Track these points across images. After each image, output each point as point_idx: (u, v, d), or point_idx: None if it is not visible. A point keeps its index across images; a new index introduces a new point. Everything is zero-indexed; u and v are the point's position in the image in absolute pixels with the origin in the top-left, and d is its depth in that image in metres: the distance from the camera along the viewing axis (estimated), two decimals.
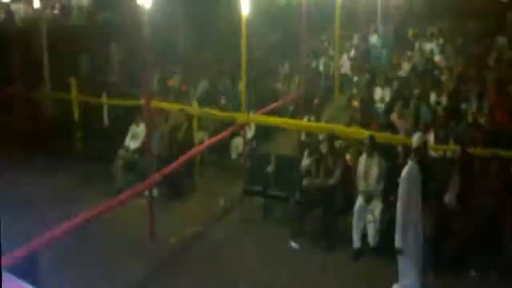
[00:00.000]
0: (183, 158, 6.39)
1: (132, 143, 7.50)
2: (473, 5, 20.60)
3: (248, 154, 7.54)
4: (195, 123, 7.80)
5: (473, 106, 8.08)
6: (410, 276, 4.55)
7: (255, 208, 6.54)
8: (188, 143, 7.30)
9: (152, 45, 5.50)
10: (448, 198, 5.33)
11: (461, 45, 13.41)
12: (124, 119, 8.03)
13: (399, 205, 4.42)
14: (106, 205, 5.18)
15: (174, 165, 6.16)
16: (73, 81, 8.66)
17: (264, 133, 8.72)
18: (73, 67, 10.31)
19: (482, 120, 7.35)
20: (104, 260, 5.31)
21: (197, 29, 12.90)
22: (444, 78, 10.14)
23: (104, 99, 8.80)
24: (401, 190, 4.43)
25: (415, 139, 4.73)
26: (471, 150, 5.87)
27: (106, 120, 8.84)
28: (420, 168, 6.35)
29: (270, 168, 6.75)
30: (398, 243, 4.43)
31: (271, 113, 8.25)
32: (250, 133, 8.16)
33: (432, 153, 6.76)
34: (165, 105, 8.05)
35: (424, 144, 4.80)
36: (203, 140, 7.83)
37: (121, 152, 7.39)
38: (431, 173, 6.12)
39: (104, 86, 9.45)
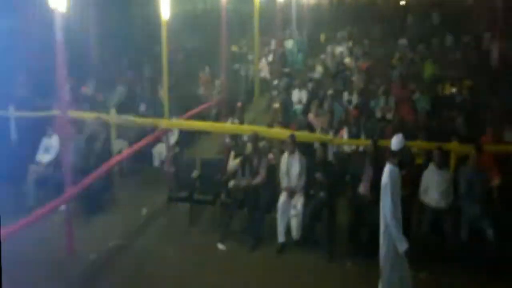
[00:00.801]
0: (101, 169, 6.12)
1: (44, 157, 7.01)
2: (377, 11, 22.48)
3: (172, 160, 7.41)
4: (113, 131, 7.49)
5: (381, 103, 8.73)
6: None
7: (181, 214, 6.44)
8: (107, 153, 6.99)
9: (64, 52, 5.18)
10: (362, 189, 5.69)
11: (368, 47, 14.43)
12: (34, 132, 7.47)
13: (390, 210, 4.19)
14: (18, 224, 4.78)
15: (91, 177, 5.88)
16: None
17: (188, 138, 8.63)
18: None
19: (389, 115, 7.98)
20: (20, 284, 4.88)
21: (113, 34, 12.42)
22: (354, 78, 10.85)
23: (11, 112, 8.12)
24: (386, 195, 4.20)
25: (395, 141, 4.45)
26: (381, 143, 6.30)
27: (14, 134, 8.16)
28: (338, 163, 6.78)
29: (195, 173, 6.71)
30: (404, 246, 4.20)
31: (194, 117, 8.20)
32: (173, 139, 8.04)
33: (346, 148, 7.20)
34: (80, 114, 7.64)
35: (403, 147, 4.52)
36: (122, 149, 7.55)
37: (32, 167, 6.87)
38: (345, 167, 6.58)
39: (10, 97, 8.71)
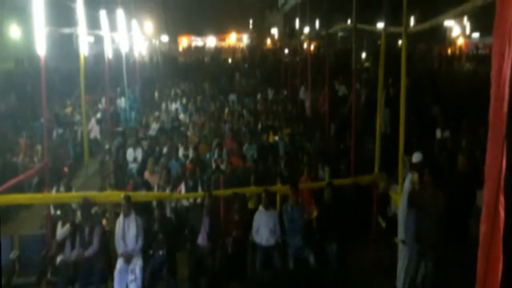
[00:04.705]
0: None
1: None
2: (207, 69, 24.18)
3: None
4: None
5: (215, 155, 9.14)
6: None
7: None
8: None
9: None
10: (201, 239, 5.81)
11: (200, 103, 15.13)
12: None
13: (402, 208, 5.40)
14: None
15: None
16: None
17: (3, 214, 7.47)
18: None
19: (222, 166, 8.38)
20: None
21: None
22: (189, 133, 11.16)
23: None
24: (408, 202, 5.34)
25: (415, 156, 6.07)
26: (215, 192, 6.54)
27: None
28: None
29: (13, 254, 5.83)
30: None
31: (11, 189, 7.18)
32: None
33: (185, 202, 7.24)
34: None
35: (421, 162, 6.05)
36: None
37: None
38: (184, 221, 6.61)
39: None
